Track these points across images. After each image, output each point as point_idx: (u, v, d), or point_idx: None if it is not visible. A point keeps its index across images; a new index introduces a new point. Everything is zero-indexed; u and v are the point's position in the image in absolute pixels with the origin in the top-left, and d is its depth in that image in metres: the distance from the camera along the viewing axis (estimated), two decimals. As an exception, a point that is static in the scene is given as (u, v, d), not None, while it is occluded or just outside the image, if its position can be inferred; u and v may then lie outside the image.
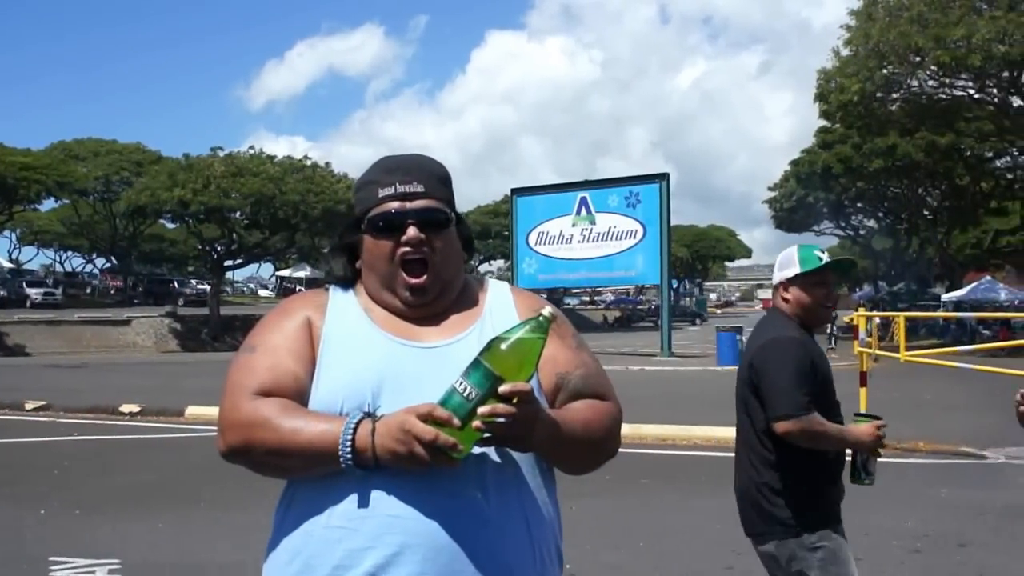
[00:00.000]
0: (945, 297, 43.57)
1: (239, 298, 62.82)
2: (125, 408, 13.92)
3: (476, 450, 1.60)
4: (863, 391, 10.57)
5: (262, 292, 73.25)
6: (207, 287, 48.27)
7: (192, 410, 13.65)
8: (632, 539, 6.55)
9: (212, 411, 13.94)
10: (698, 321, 69.11)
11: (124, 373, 23.23)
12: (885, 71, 29.72)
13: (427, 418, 1.51)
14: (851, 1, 33.42)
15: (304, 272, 69.94)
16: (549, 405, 1.74)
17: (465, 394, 1.51)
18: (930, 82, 31.72)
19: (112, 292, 53.46)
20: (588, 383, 1.82)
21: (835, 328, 31.93)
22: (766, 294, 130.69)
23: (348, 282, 1.86)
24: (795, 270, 3.26)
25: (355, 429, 1.58)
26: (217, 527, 6.98)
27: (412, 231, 1.75)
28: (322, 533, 1.65)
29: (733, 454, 3.36)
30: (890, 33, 27.75)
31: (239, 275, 74.00)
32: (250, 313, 43.47)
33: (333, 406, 1.66)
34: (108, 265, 66.08)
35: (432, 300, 1.79)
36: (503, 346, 1.53)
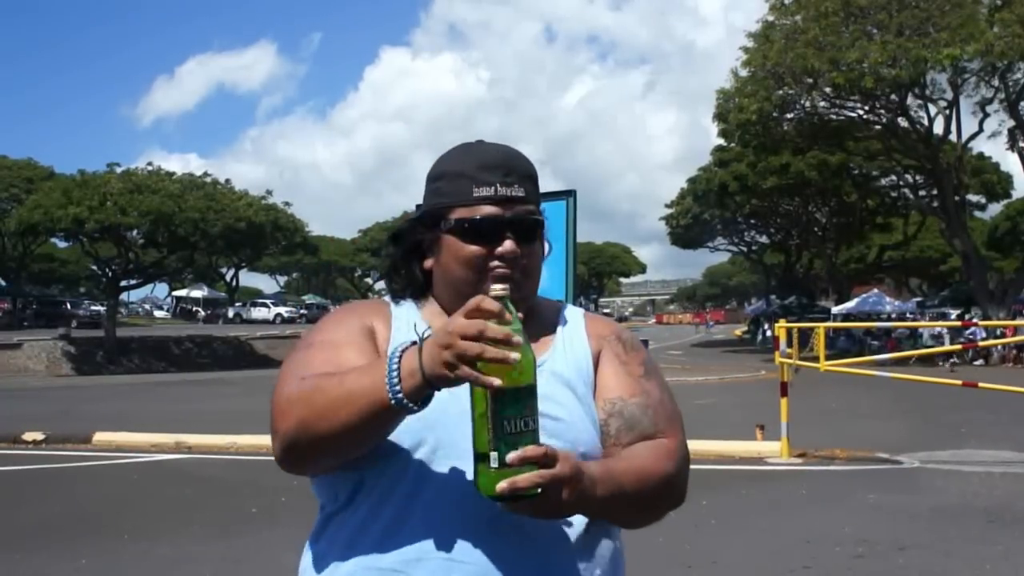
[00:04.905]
0: (835, 309, 45.06)
1: (135, 319, 60.97)
2: (28, 436, 13.27)
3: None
4: (784, 401, 10.81)
5: (158, 313, 71.26)
6: (101, 308, 46.76)
7: (100, 436, 13.03)
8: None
9: (122, 436, 13.30)
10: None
11: (19, 399, 22.18)
12: (781, 92, 30.74)
13: (473, 314, 1.29)
14: (746, 23, 34.63)
15: (202, 292, 68.34)
16: (602, 436, 1.57)
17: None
18: (822, 103, 32.99)
19: (0, 315, 51.21)
20: (647, 414, 1.59)
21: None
22: (659, 310, 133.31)
23: (418, 290, 1.66)
24: None
25: (401, 354, 1.34)
26: (146, 562, 6.55)
27: (510, 244, 1.56)
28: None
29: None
30: (787, 55, 28.76)
31: (133, 296, 71.79)
32: (147, 335, 42.24)
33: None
34: (-4, 287, 63.31)
35: None
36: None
